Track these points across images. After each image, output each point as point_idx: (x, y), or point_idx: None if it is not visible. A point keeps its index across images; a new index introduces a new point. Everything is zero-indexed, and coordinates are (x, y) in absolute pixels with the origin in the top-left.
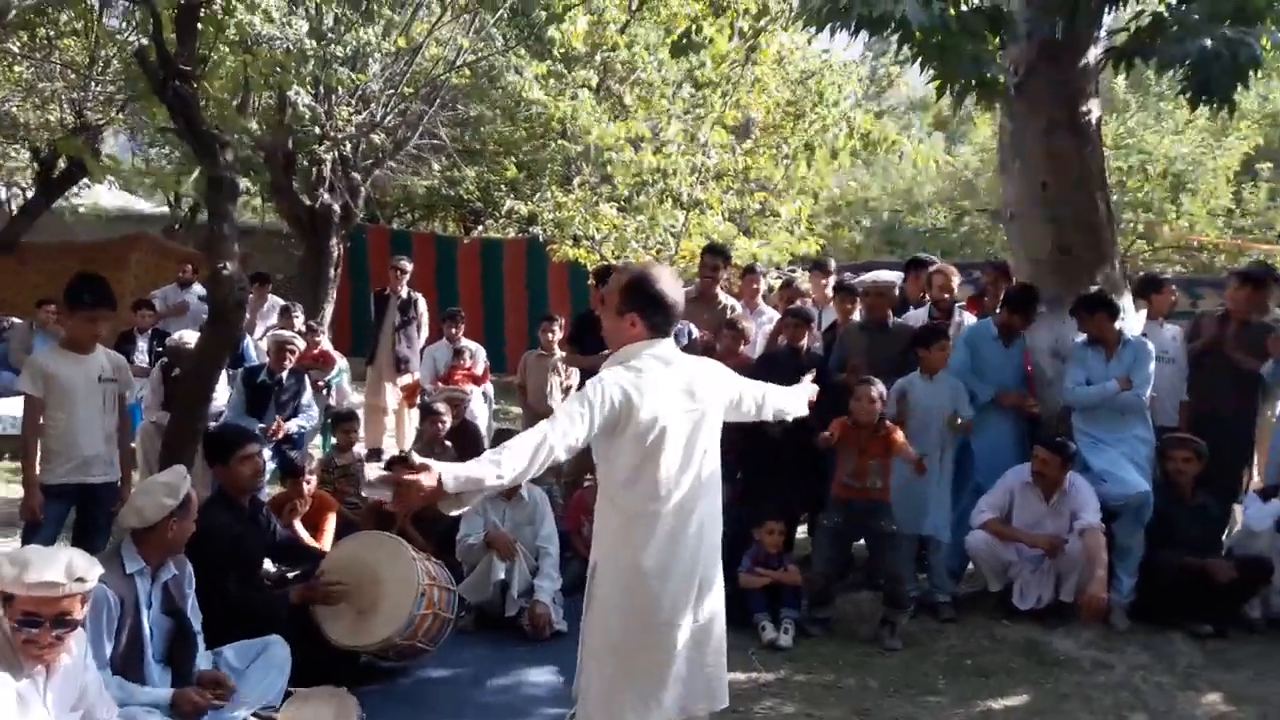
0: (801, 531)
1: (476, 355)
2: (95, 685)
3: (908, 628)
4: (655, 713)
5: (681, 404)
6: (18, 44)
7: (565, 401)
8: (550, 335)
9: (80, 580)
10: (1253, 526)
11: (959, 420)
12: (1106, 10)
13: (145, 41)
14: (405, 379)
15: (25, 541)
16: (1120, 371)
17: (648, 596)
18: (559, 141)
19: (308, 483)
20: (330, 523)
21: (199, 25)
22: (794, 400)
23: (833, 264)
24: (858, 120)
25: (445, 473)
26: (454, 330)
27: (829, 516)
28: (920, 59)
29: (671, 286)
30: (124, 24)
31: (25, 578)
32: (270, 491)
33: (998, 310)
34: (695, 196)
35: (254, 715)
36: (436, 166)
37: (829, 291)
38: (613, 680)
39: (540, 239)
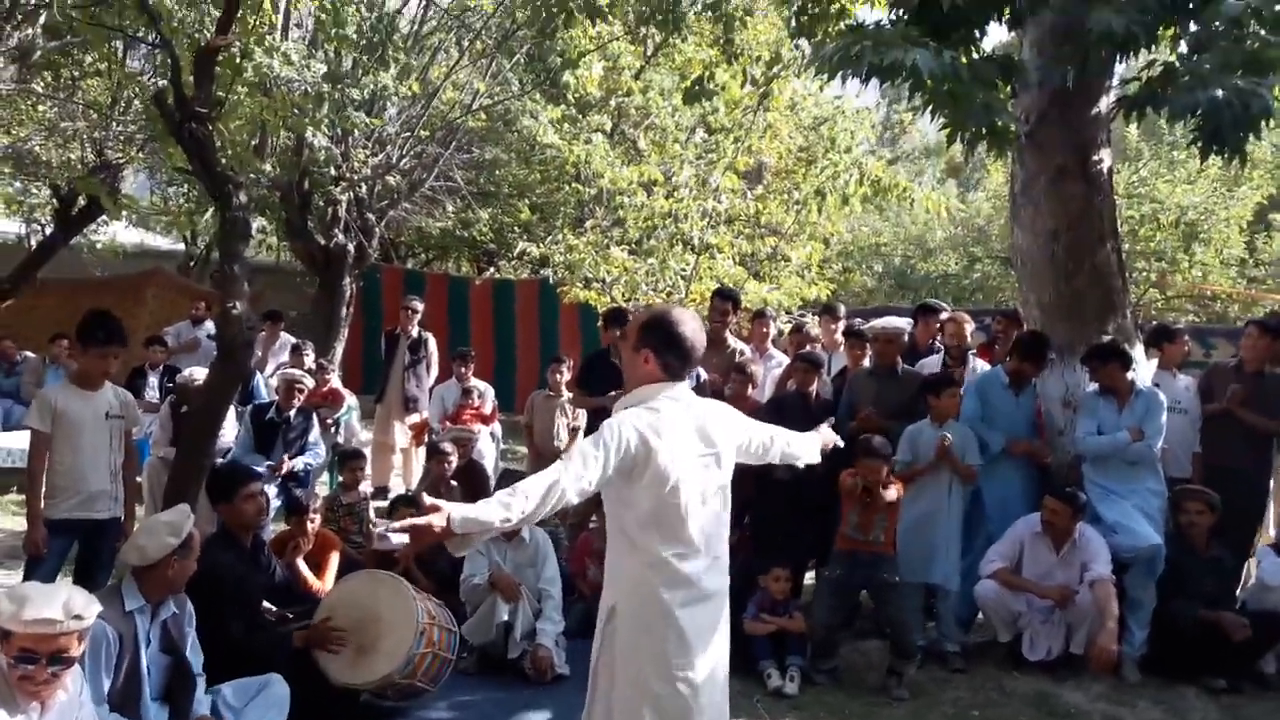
0: (810, 579)
1: (485, 395)
2: None
3: (915, 678)
4: None
5: (697, 447)
6: (42, 84)
7: (580, 442)
8: (559, 376)
9: (78, 618)
10: (1267, 581)
11: (947, 441)
12: (1118, 60)
13: (164, 84)
14: (414, 418)
15: (28, 575)
16: (1132, 422)
17: (670, 638)
18: (572, 185)
19: (311, 521)
20: (333, 561)
21: (216, 68)
22: (806, 447)
23: (842, 309)
24: (869, 166)
25: (454, 513)
26: (463, 370)
27: (831, 569)
28: (931, 107)
29: (692, 330)
30: (145, 66)
31: (23, 614)
32: (274, 529)
33: (1008, 358)
34: (706, 240)
35: None
36: (451, 208)
37: (838, 336)
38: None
39: (551, 281)
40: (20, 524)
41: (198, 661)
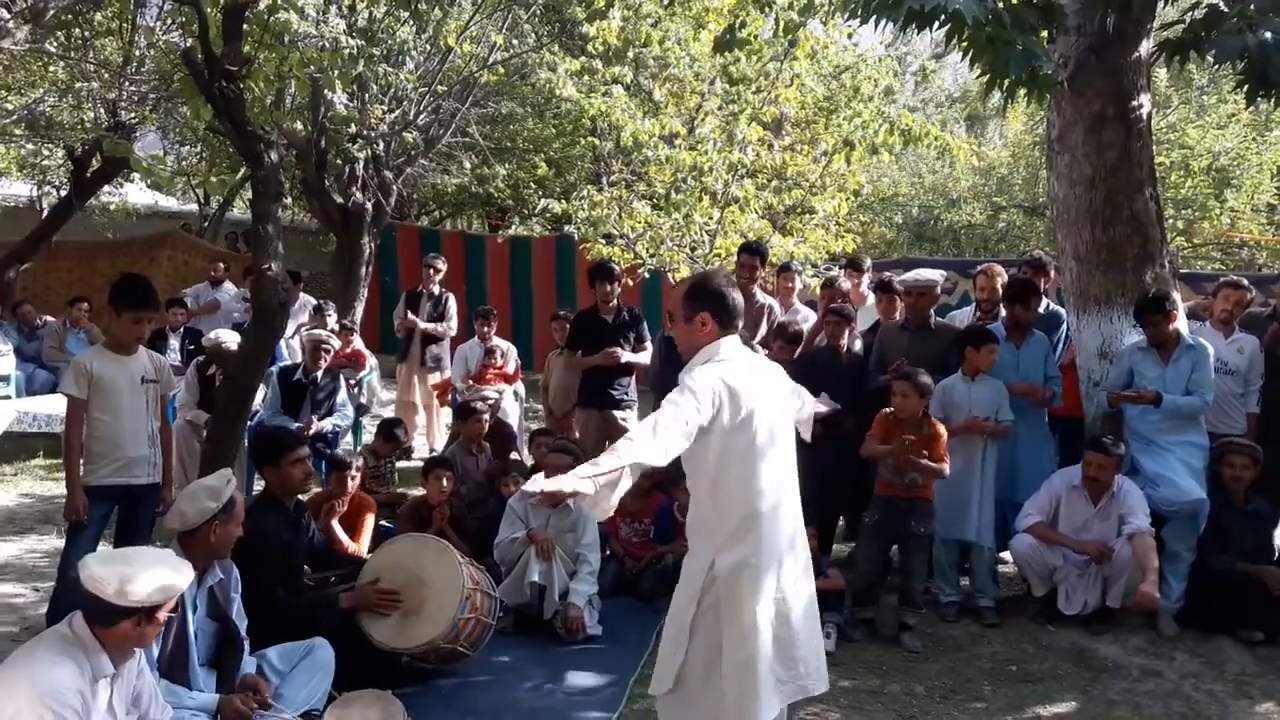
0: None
1: (508, 354)
2: (150, 687)
3: (951, 633)
4: (788, 688)
5: (767, 395)
6: (54, 45)
7: (668, 398)
8: (561, 335)
9: None
10: None
11: (992, 423)
12: (1161, 2)
13: (190, 42)
14: (436, 377)
15: (69, 543)
16: (1176, 376)
17: (768, 582)
18: (588, 138)
19: (352, 479)
20: (369, 523)
21: (245, 26)
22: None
23: (868, 262)
24: (895, 115)
25: (579, 478)
26: (486, 329)
27: (870, 514)
28: (970, 54)
29: (728, 282)
30: (160, 23)
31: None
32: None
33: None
34: (732, 194)
35: (299, 718)
36: (468, 164)
37: (864, 290)
38: (746, 667)
39: (574, 237)
40: (47, 488)
41: (243, 626)
